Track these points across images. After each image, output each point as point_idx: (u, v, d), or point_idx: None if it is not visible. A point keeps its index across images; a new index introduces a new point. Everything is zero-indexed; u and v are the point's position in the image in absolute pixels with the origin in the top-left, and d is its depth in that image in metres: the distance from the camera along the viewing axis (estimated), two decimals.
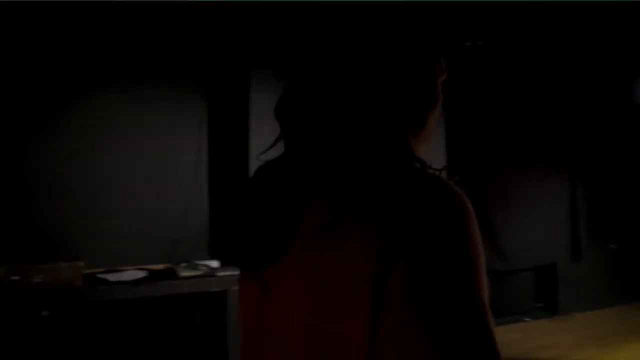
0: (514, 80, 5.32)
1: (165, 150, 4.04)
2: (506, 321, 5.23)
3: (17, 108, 3.58)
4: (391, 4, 0.71)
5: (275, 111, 0.75)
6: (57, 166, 3.67)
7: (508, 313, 5.33)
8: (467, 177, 4.90)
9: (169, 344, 3.47)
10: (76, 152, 3.74)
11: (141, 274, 3.44)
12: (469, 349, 0.55)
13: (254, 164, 3.83)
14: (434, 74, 0.74)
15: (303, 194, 0.67)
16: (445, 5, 0.82)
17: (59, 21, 3.66)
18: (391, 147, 0.67)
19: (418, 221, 0.58)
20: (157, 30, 3.96)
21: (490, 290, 0.59)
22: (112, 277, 3.34)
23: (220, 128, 4.26)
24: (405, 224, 0.58)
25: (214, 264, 3.72)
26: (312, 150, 0.69)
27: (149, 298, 3.37)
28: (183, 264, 3.63)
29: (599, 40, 5.07)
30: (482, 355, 0.55)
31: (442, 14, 0.76)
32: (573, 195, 5.91)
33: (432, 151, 4.78)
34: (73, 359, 3.15)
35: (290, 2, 2.86)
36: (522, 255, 5.43)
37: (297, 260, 0.66)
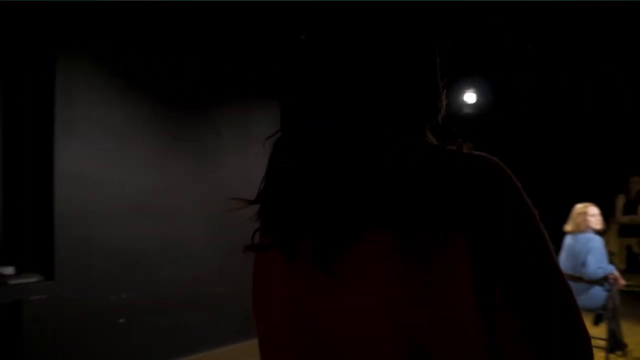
0: None
1: None
2: None
3: None
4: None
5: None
6: None
7: None
8: None
9: None
10: None
11: None
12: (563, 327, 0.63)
13: (60, 163, 3.41)
14: (436, 64, 0.77)
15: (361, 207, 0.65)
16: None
17: None
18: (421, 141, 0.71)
19: (491, 220, 0.62)
20: None
21: None
22: None
23: (17, 123, 3.64)
24: (479, 214, 0.61)
25: (9, 270, 3.16)
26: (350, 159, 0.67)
27: None
28: None
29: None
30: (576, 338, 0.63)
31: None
32: None
33: None
34: None
35: None
36: None
37: (376, 248, 0.63)
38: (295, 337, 0.68)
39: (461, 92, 6.91)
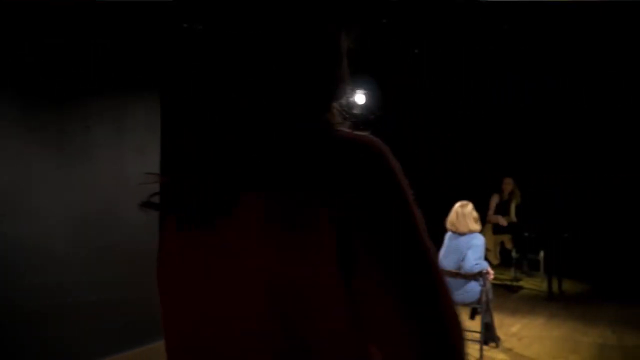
0: None
1: None
2: None
3: None
4: None
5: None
6: None
7: None
8: None
9: None
10: None
11: None
12: (432, 302, 0.65)
13: None
14: (341, 48, 0.78)
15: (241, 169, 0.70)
16: None
17: None
18: (309, 124, 0.72)
19: (358, 196, 0.65)
20: None
21: None
22: None
23: None
24: (345, 194, 0.65)
25: None
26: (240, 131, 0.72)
27: None
28: None
29: None
30: (441, 310, 0.66)
31: None
32: None
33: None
34: None
35: None
36: None
37: (251, 209, 0.68)
38: (186, 298, 0.74)
39: (351, 92, 6.97)
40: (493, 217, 7.07)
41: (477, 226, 4.50)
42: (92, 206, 3.86)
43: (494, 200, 7.11)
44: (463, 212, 4.50)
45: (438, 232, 5.04)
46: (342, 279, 0.65)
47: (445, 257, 4.49)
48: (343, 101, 0.82)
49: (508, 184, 7.15)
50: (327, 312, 0.67)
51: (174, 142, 0.76)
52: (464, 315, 4.82)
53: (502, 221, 7.09)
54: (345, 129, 0.74)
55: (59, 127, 3.87)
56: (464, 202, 4.62)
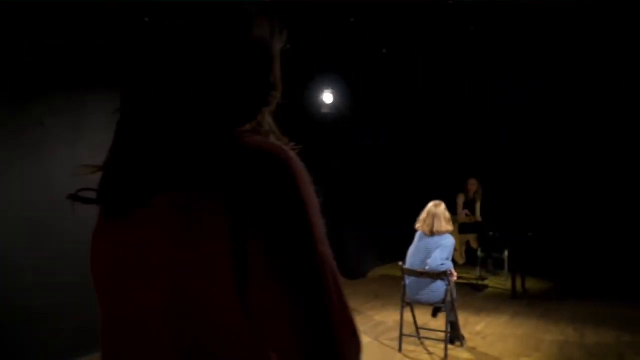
0: None
1: None
2: None
3: None
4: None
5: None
6: None
7: None
8: None
9: None
10: None
11: None
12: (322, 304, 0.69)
13: None
14: (268, 61, 0.80)
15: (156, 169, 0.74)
16: None
17: None
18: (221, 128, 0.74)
19: (252, 202, 0.68)
20: None
21: None
22: None
23: None
24: (246, 196, 0.68)
25: None
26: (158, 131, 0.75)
27: None
28: None
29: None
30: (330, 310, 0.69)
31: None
32: None
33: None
34: None
35: None
36: None
37: (160, 207, 0.73)
38: (107, 287, 0.79)
39: (319, 91, 6.94)
40: (462, 214, 7.14)
41: (449, 227, 4.51)
42: (47, 205, 3.71)
43: (461, 199, 7.18)
44: (436, 212, 4.49)
45: (405, 231, 5.04)
46: (237, 281, 0.68)
47: (413, 256, 4.49)
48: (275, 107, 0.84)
49: (473, 185, 7.23)
50: (222, 314, 0.69)
51: (115, 139, 0.74)
52: (427, 314, 4.83)
53: (467, 215, 7.17)
54: (261, 135, 0.76)
55: (11, 123, 3.71)
56: (437, 201, 4.62)
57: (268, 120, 0.81)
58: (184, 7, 0.77)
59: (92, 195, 0.80)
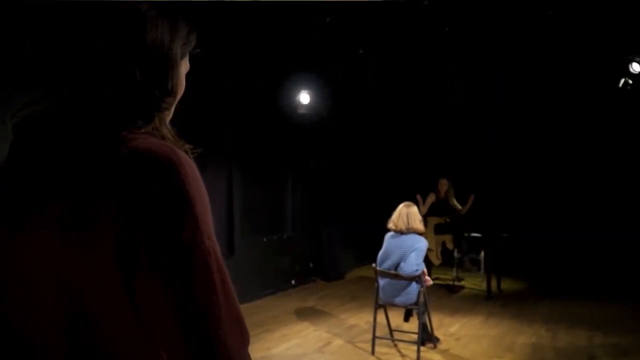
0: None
1: None
2: None
3: None
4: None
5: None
6: None
7: None
8: None
9: None
10: None
11: None
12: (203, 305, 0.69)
13: None
14: (164, 65, 0.79)
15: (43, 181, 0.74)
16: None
17: None
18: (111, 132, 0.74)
19: (139, 202, 0.69)
20: None
21: None
22: None
23: None
24: (128, 200, 0.69)
25: None
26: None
27: None
28: None
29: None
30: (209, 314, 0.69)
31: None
32: (230, 190, 6.06)
33: None
34: None
35: None
36: None
37: (49, 217, 0.72)
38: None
39: (296, 92, 6.89)
40: (423, 210, 7.07)
41: (421, 226, 4.49)
42: None
43: (430, 198, 7.17)
44: (408, 212, 4.47)
45: (377, 231, 5.01)
46: (124, 283, 0.69)
47: (388, 258, 4.44)
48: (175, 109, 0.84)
49: (443, 185, 7.23)
50: (110, 313, 0.71)
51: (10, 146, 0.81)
52: (399, 317, 4.79)
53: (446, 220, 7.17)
54: (155, 139, 0.76)
55: None
56: (408, 202, 4.61)
57: (165, 125, 0.81)
58: (80, 9, 0.76)
59: None
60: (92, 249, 0.70)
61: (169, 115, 0.84)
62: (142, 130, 0.77)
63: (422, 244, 4.41)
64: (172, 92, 0.81)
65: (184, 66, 0.84)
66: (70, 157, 0.74)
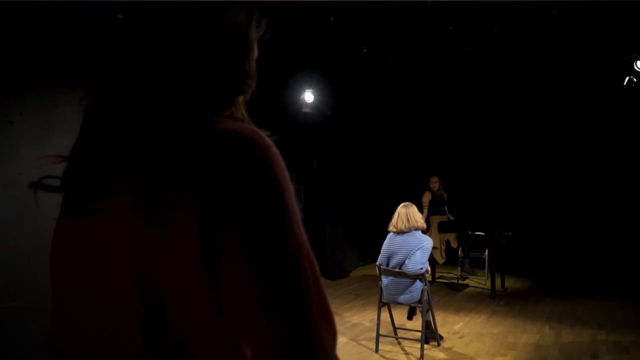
0: None
1: None
2: None
3: None
4: None
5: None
6: None
7: None
8: None
9: None
10: None
11: None
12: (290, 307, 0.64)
13: None
14: (243, 48, 0.77)
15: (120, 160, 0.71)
16: None
17: None
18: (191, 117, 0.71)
19: (226, 186, 0.65)
20: None
21: None
22: None
23: None
24: (217, 192, 0.65)
25: None
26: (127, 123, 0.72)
27: None
28: None
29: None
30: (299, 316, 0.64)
31: None
32: None
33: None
34: None
35: None
36: None
37: (123, 201, 0.70)
38: (66, 284, 0.76)
39: (301, 91, 6.91)
40: (425, 212, 7.13)
41: (422, 222, 4.52)
42: (14, 207, 3.63)
43: (427, 197, 7.19)
44: (407, 212, 4.49)
45: (381, 229, 5.03)
46: (206, 272, 0.65)
47: (393, 256, 4.44)
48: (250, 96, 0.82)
49: (435, 182, 7.25)
50: (191, 306, 0.66)
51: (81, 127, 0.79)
52: (403, 315, 4.82)
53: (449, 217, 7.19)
54: (238, 122, 0.73)
55: None
56: (406, 203, 4.62)
57: (241, 110, 0.79)
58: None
59: (55, 183, 0.77)
60: (171, 236, 0.65)
61: (246, 99, 0.82)
62: (223, 114, 0.75)
63: (428, 242, 4.43)
64: (250, 75, 0.79)
65: (256, 51, 0.82)
66: (147, 139, 0.70)
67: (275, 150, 0.69)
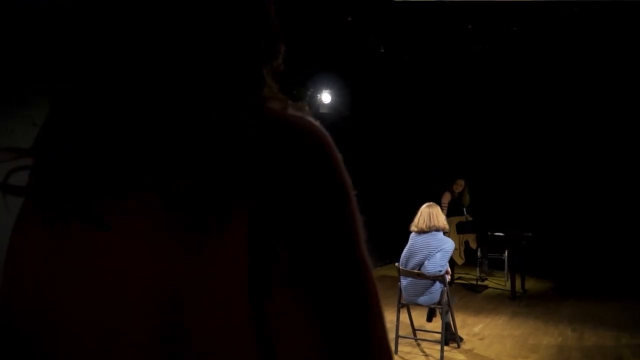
0: None
1: None
2: None
3: None
4: None
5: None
6: None
7: None
8: None
9: None
10: None
11: None
12: (357, 342, 0.51)
13: None
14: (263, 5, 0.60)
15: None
16: None
17: None
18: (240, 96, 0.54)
19: (284, 192, 0.50)
20: None
21: None
22: None
23: None
24: (272, 198, 0.50)
25: None
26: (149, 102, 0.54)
27: None
28: None
29: None
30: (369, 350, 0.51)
31: None
32: None
33: None
34: None
35: None
36: None
37: (145, 205, 0.52)
38: (32, 294, 0.56)
39: (318, 91, 6.92)
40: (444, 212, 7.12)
41: (445, 224, 4.49)
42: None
43: (447, 197, 7.14)
44: (430, 212, 4.46)
45: (396, 230, 5.01)
46: (253, 295, 0.50)
47: (413, 257, 4.42)
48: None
49: (460, 185, 7.20)
50: (220, 337, 0.51)
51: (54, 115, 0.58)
52: (422, 317, 4.80)
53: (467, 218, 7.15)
54: (275, 102, 0.56)
55: (2, 123, 3.70)
56: (430, 203, 4.59)
57: (271, 85, 0.59)
58: None
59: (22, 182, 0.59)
60: (208, 249, 0.50)
61: (280, 69, 0.63)
62: (260, 94, 0.57)
63: (449, 245, 4.39)
64: (278, 36, 0.61)
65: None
66: (174, 129, 0.53)
67: (333, 145, 0.55)
